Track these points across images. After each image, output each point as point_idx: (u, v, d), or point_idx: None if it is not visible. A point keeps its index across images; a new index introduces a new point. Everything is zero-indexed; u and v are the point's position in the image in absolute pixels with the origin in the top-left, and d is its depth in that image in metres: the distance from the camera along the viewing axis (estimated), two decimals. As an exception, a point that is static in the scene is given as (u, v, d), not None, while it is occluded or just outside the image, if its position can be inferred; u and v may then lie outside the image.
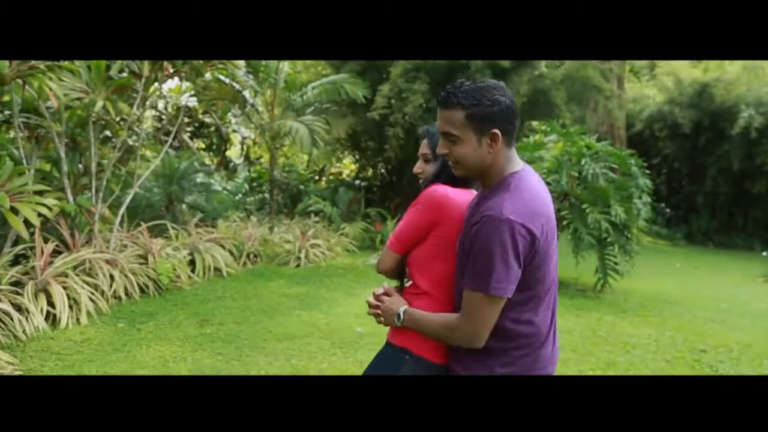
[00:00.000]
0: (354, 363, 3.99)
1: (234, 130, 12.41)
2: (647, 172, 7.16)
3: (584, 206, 6.62)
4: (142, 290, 5.42)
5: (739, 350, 4.88)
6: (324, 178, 13.83)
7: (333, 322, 5.03)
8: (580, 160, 6.84)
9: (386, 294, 1.83)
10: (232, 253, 7.18)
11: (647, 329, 5.43)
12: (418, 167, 1.98)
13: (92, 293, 4.83)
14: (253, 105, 9.37)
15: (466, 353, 1.64)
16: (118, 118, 6.30)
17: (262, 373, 3.71)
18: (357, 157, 13.51)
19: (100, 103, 5.01)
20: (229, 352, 4.10)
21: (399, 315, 1.72)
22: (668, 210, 15.52)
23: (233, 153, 13.82)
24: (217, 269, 6.62)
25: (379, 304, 1.81)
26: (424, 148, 1.98)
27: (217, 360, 3.93)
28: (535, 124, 13.20)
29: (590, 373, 4.04)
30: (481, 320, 1.53)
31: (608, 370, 4.13)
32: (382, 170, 13.29)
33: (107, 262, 5.23)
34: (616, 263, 6.87)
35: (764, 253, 11.42)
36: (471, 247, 1.54)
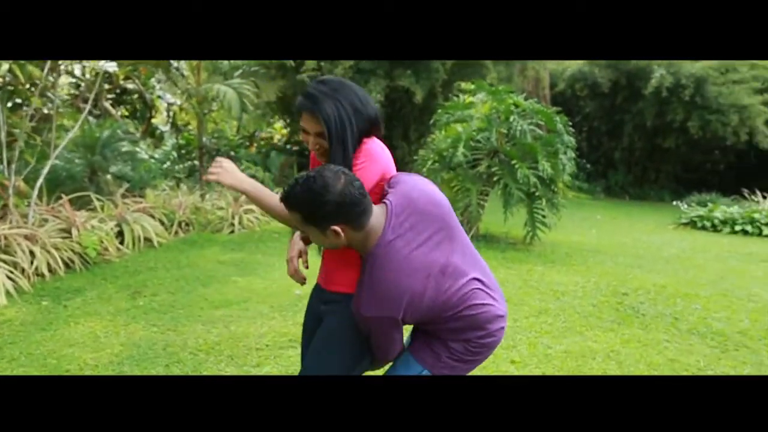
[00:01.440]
0: (294, 325, 4.00)
1: (159, 97, 11.82)
2: (571, 129, 7.43)
3: (513, 162, 6.82)
4: (67, 266, 5.16)
5: (656, 291, 5.26)
6: (255, 144, 13.50)
7: (270, 287, 5.00)
8: (509, 118, 7.00)
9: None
10: (162, 223, 6.93)
11: (574, 277, 5.74)
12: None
13: (11, 272, 4.55)
14: (178, 69, 8.93)
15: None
16: (27, 84, 5.85)
17: (200, 341, 3.65)
18: (288, 121, 13.23)
19: (5, 66, 4.63)
20: (164, 323, 4.00)
21: None
22: (588, 165, 16.24)
23: (159, 120, 13.20)
24: (148, 240, 6.39)
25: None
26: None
27: (152, 332, 3.83)
28: (463, 84, 13.43)
29: (524, 320, 4.24)
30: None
31: (541, 317, 4.35)
32: (313, 134, 13.12)
33: (26, 237, 4.93)
34: (544, 216, 7.17)
35: (675, 203, 12.21)
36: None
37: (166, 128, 12.67)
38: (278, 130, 15.29)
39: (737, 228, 9.68)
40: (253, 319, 4.10)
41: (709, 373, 3.43)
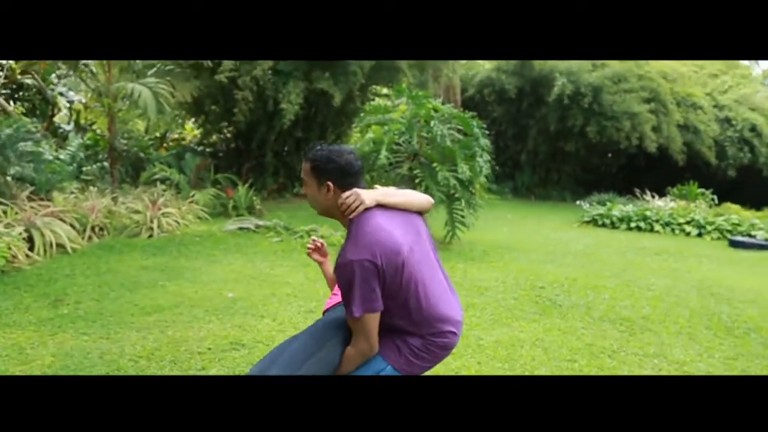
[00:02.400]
0: (233, 328, 3.99)
1: (60, 93, 11.08)
2: (486, 132, 7.84)
3: (434, 165, 7.10)
4: (-28, 275, 4.80)
5: (568, 284, 5.70)
6: (165, 145, 13.00)
7: (201, 290, 4.92)
8: (429, 122, 7.28)
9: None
10: (74, 228, 6.57)
11: (493, 273, 6.09)
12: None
13: None
14: (86, 65, 8.46)
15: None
16: None
17: (138, 348, 3.56)
18: (200, 122, 12.85)
19: None
20: (94, 331, 3.85)
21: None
22: (497, 167, 17.08)
23: (60, 119, 12.36)
24: (60, 245, 6.05)
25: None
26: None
27: (83, 341, 3.67)
28: (375, 87, 13.67)
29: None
30: (369, 333, 1.93)
31: (468, 311, 4.60)
32: (228, 135, 12.83)
33: (-76, 245, 4.53)
34: (463, 216, 7.52)
35: (578, 202, 13.13)
36: (340, 287, 1.94)
37: (69, 127, 11.90)
38: (189, 131, 14.81)
39: (632, 225, 10.61)
40: (189, 324, 4.03)
41: (621, 354, 3.81)
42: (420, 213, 2.17)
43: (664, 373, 3.53)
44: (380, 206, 1.99)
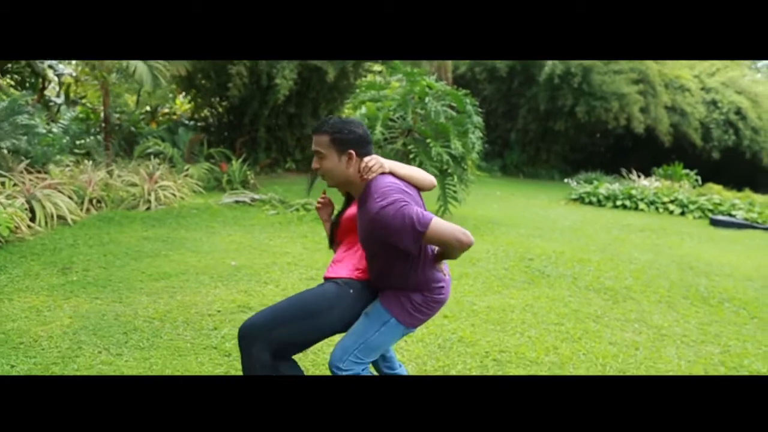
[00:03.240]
0: (239, 293, 4.18)
1: (50, 66, 11.03)
2: (479, 110, 8.01)
3: (428, 141, 7.27)
4: (-21, 243, 4.92)
5: (556, 257, 5.95)
6: (156, 119, 13.01)
7: (204, 259, 5.09)
8: (424, 99, 7.43)
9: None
10: (72, 200, 6.68)
11: (485, 245, 6.31)
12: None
13: None
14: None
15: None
16: None
17: (150, 310, 3.74)
18: (192, 96, 12.86)
19: None
20: (106, 295, 4.02)
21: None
22: (486, 145, 17.27)
23: (49, 92, 12.31)
24: (61, 217, 6.17)
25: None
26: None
27: (96, 304, 3.84)
28: (368, 64, 13.71)
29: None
30: (448, 230, 1.92)
31: (462, 279, 4.83)
32: (220, 110, 12.86)
33: (-66, 213, 4.64)
34: (455, 192, 7.71)
35: (565, 180, 13.39)
36: (386, 236, 1.96)
37: (60, 100, 11.87)
38: (179, 105, 14.79)
39: (618, 203, 10.89)
40: (197, 289, 4.22)
41: (605, 319, 4.07)
42: (420, 190, 2.29)
43: (642, 337, 3.78)
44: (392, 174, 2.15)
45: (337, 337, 2.34)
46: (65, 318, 3.55)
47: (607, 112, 14.74)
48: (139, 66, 7.82)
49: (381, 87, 7.99)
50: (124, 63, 7.84)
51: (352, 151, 2.06)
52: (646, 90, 15.17)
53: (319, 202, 2.49)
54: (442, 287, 2.23)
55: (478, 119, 7.83)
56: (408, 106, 7.55)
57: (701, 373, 3.25)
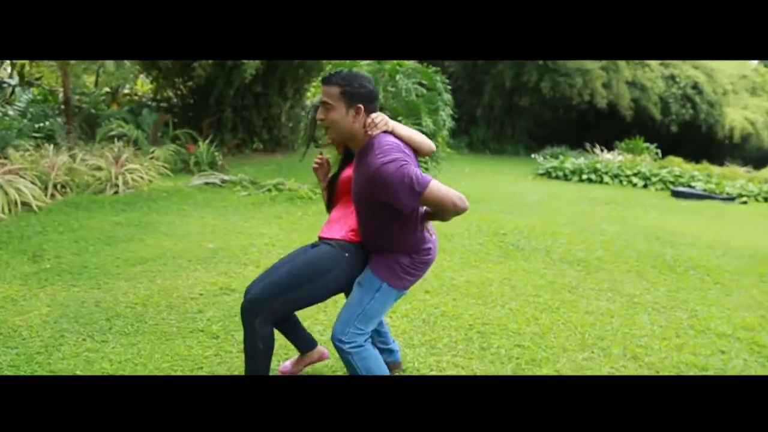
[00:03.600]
0: (219, 275, 4.16)
1: (1, 45, 10.54)
2: (448, 87, 8.04)
3: (399, 118, 7.27)
4: (-57, 232, 4.75)
5: (528, 231, 6.08)
6: (117, 101, 12.62)
7: (180, 243, 5.03)
8: (394, 76, 7.42)
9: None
10: (36, 185, 6.47)
11: (458, 222, 6.37)
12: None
13: None
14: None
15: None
16: None
17: (131, 296, 3.70)
18: (154, 76, 12.49)
19: None
20: (83, 282, 3.95)
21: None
22: (453, 122, 17.37)
23: (2, 74, 11.80)
24: (25, 203, 5.98)
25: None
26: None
27: (74, 291, 3.77)
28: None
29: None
30: (446, 193, 1.96)
31: (439, 255, 4.90)
32: (184, 90, 12.54)
33: None
34: (426, 169, 7.75)
35: (532, 155, 13.60)
36: (383, 194, 1.98)
37: (14, 81, 11.40)
38: (140, 86, 14.36)
39: (584, 177, 11.15)
40: (176, 273, 4.18)
41: (579, 290, 4.21)
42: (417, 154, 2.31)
43: (616, 305, 3.94)
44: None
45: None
46: (43, 307, 3.48)
47: (571, 88, 14.98)
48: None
49: (350, 65, 7.93)
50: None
51: (361, 106, 2.06)
52: (608, 66, 15.46)
53: (316, 163, 2.48)
54: (430, 248, 2.28)
55: (448, 96, 7.87)
56: (378, 84, 7.53)
57: (672, 337, 3.42)
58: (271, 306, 2.16)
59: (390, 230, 2.16)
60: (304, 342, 2.64)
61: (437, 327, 3.38)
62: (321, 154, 2.50)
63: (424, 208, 2.17)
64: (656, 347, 3.25)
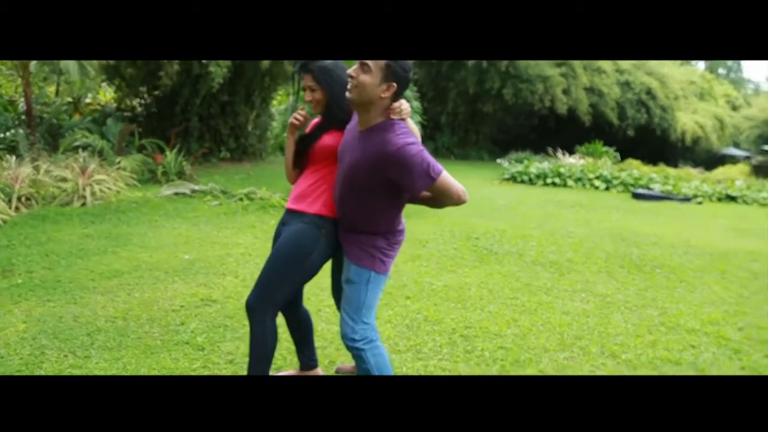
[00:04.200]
0: (198, 286, 4.13)
1: (-45, 55, 10.18)
2: (417, 95, 8.17)
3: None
4: None
5: (499, 235, 6.23)
6: (79, 111, 12.32)
7: (155, 254, 4.97)
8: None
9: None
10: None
11: (430, 227, 6.50)
12: (308, 96, 2.36)
13: None
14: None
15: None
16: None
17: (110, 309, 3.64)
18: (117, 85, 12.25)
19: None
20: (58, 297, 3.86)
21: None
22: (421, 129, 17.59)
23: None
24: (-11, 217, 5.81)
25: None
26: (308, 80, 2.37)
27: (50, 307, 3.69)
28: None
29: (404, 266, 4.84)
30: (453, 184, 2.07)
31: (416, 261, 4.99)
32: (148, 99, 12.34)
33: None
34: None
35: (498, 161, 13.87)
36: (396, 174, 2.04)
37: (-32, 92, 11.02)
38: (102, 95, 14.05)
39: (548, 181, 11.44)
40: (154, 285, 4.13)
41: (555, 291, 4.35)
42: None
43: (591, 305, 4.09)
44: None
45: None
46: (19, 324, 3.40)
47: (532, 94, 15.36)
48: (62, 54, 7.38)
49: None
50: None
51: (395, 85, 2.05)
52: (568, 72, 15.91)
53: (296, 118, 2.42)
54: (402, 230, 2.36)
55: (417, 104, 8.00)
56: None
57: (646, 334, 3.57)
58: (275, 299, 2.27)
59: (376, 207, 2.20)
60: (307, 356, 2.70)
61: (421, 332, 3.45)
62: (302, 108, 2.44)
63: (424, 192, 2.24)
64: (632, 344, 3.40)
